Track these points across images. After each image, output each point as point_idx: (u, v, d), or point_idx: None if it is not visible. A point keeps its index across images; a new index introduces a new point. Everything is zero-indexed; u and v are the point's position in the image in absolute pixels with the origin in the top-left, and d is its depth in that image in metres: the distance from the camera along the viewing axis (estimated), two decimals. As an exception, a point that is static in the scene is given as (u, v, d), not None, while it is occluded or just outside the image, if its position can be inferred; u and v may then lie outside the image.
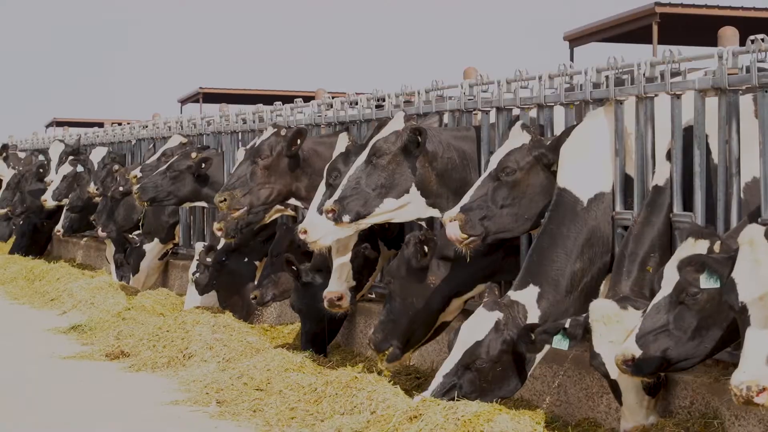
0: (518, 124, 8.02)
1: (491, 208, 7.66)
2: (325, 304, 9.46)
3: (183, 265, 14.74)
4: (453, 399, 7.01)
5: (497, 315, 7.19)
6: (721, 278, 5.90)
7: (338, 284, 9.47)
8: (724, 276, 5.84)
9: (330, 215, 8.26)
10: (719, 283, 5.91)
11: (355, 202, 8.29)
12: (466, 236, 7.57)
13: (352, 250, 9.52)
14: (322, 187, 9.19)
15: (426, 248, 8.24)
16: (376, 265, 9.81)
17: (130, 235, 15.22)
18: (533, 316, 7.23)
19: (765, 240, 5.73)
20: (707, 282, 5.99)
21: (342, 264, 9.49)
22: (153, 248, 15.31)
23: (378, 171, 8.35)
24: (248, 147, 10.72)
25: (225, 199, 10.14)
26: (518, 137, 7.87)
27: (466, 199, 7.71)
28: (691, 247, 6.20)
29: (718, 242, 6.11)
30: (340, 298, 9.43)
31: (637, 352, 6.22)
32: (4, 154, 22.83)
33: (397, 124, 8.52)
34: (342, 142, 9.59)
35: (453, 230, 7.57)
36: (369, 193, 8.33)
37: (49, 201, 18.39)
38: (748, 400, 5.49)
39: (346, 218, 8.28)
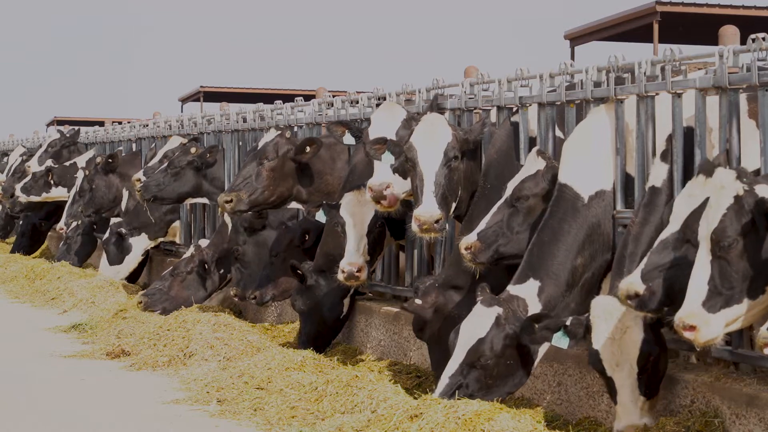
0: (534, 150, 8.04)
1: (506, 235, 7.72)
2: (343, 277, 9.30)
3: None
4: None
5: (497, 310, 7.18)
6: None
7: (356, 256, 9.37)
8: None
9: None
10: None
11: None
12: (481, 263, 7.65)
13: (368, 225, 9.50)
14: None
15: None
16: (383, 246, 9.81)
17: (112, 223, 15.33)
18: (534, 310, 7.22)
19: (702, 176, 6.13)
20: None
21: (359, 237, 9.43)
22: (140, 243, 15.31)
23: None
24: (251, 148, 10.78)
25: (231, 200, 10.19)
26: (533, 164, 7.89)
27: (482, 226, 7.76)
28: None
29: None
30: (359, 270, 9.33)
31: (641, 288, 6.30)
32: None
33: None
34: None
35: (469, 256, 7.63)
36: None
37: (17, 191, 18.87)
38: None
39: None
